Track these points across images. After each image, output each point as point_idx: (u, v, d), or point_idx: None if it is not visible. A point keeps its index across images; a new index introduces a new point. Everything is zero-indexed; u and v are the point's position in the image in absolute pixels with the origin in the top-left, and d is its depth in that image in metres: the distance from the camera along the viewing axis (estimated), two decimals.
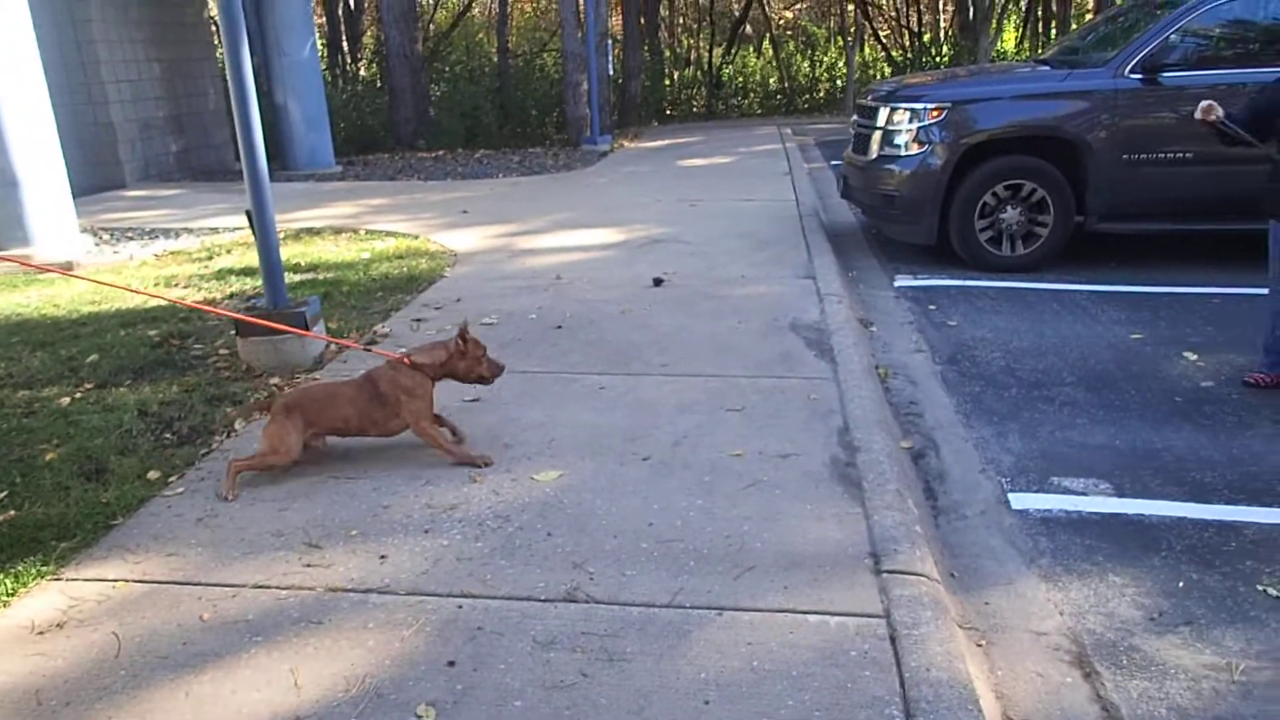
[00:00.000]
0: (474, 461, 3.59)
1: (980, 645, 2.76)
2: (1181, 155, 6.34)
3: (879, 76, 22.47)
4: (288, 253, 7.39)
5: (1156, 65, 6.28)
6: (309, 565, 2.96)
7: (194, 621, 2.69)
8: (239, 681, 2.43)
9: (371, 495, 3.41)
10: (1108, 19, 7.68)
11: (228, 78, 4.47)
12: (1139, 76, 6.31)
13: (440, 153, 14.90)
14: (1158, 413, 4.31)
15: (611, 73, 17.44)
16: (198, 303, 5.48)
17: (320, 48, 17.18)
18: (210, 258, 7.50)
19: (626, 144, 15.64)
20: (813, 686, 2.35)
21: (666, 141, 15.87)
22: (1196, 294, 6.03)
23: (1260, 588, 2.98)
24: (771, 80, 23.60)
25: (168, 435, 3.99)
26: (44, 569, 2.97)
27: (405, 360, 3.61)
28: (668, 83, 22.64)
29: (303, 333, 4.51)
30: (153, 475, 3.60)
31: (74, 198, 7.75)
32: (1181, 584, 3.02)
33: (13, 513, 3.32)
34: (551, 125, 18.23)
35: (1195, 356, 4.94)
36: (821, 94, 22.71)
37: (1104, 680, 2.60)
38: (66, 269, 7.12)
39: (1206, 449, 3.93)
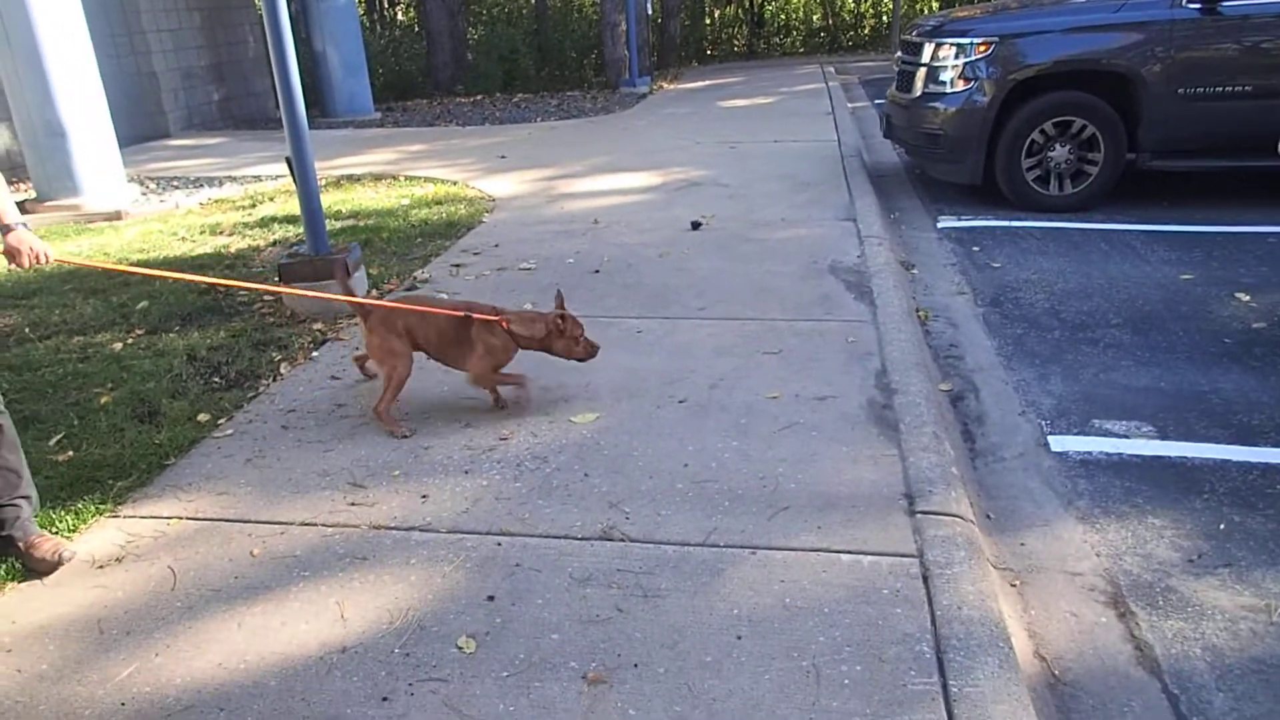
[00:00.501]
0: (522, 385, 3.68)
1: (1014, 585, 2.77)
2: (1242, 89, 6.09)
3: (926, 11, 21.79)
4: (328, 200, 7.46)
5: None
6: (353, 504, 3.05)
7: (245, 557, 2.79)
8: (288, 614, 2.53)
9: (413, 437, 3.48)
10: None
11: (265, 24, 4.48)
12: (1197, 6, 6.04)
13: (478, 97, 14.83)
14: (1205, 355, 4.22)
15: (650, 12, 17.15)
16: (231, 280, 5.55)
17: None
18: (253, 205, 7.60)
19: (666, 85, 15.43)
20: (844, 623, 2.39)
21: (706, 83, 15.62)
22: (1252, 233, 5.85)
23: None
24: (815, 17, 23.01)
25: (216, 379, 4.10)
26: (102, 507, 3.09)
27: (504, 324, 3.54)
28: (708, 22, 22.20)
29: (331, 296, 4.56)
30: (203, 418, 3.71)
31: (120, 148, 7.87)
32: (1223, 526, 2.99)
33: (71, 453, 3.45)
34: (590, 68, 18.02)
35: (1247, 297, 4.81)
36: (866, 30, 22.12)
37: (1139, 620, 2.60)
38: (114, 218, 7.27)
39: (1255, 391, 3.85)
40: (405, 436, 3.46)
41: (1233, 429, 3.57)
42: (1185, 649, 2.49)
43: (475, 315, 3.54)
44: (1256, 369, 4.05)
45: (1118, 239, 5.95)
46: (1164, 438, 3.54)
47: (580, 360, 3.68)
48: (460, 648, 2.37)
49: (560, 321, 3.56)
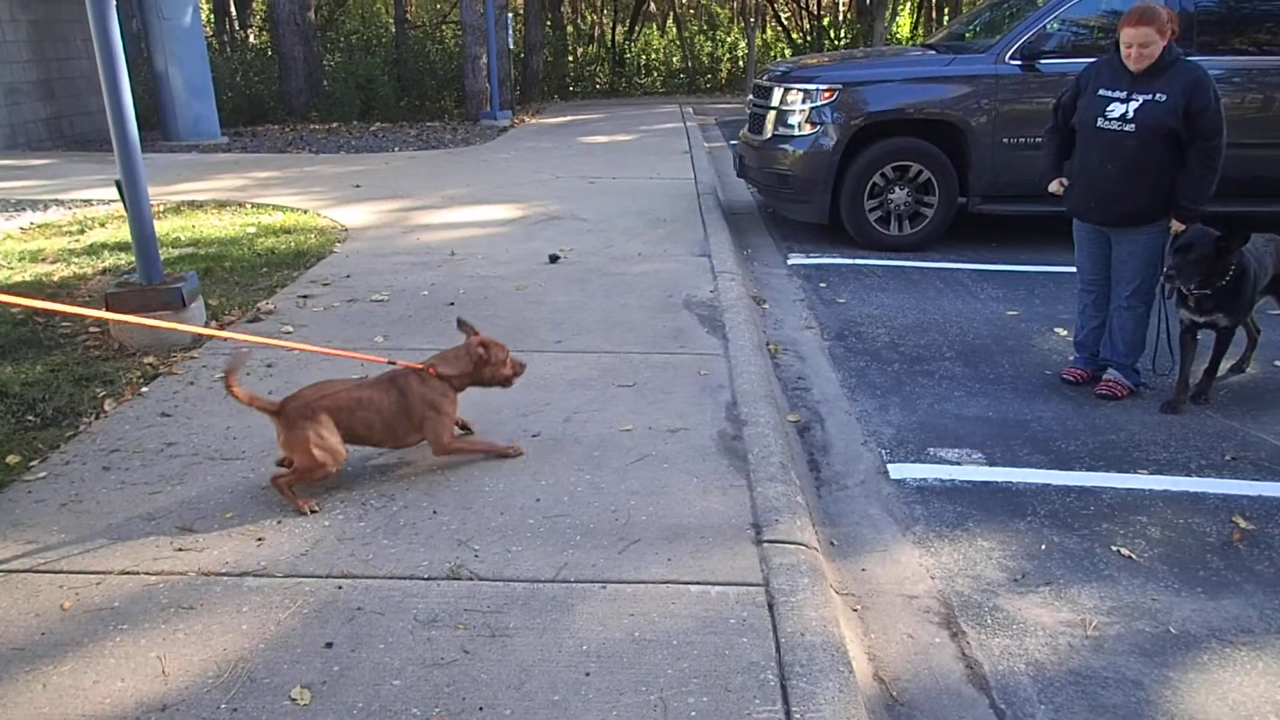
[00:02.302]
0: (506, 453, 3.43)
1: (855, 610, 2.86)
2: None
3: (779, 57, 22.76)
4: (168, 226, 7.08)
5: (1035, 52, 6.53)
6: (180, 550, 2.86)
7: (54, 610, 2.57)
8: (101, 671, 2.33)
9: (249, 477, 3.31)
10: (992, 5, 7.96)
11: (93, 37, 4.22)
12: (1018, 63, 6.55)
13: (334, 125, 14.45)
14: (1029, 385, 4.52)
15: (512, 47, 17.18)
16: (46, 301, 5.21)
17: (206, 13, 16.40)
18: (82, 231, 7.12)
19: (528, 120, 15.46)
20: (692, 655, 2.40)
21: (568, 118, 15.76)
22: (1071, 273, 6.27)
23: (1114, 548, 3.16)
24: (674, 59, 23.64)
25: (30, 417, 3.78)
26: None
27: (431, 371, 3.29)
28: (570, 59, 22.45)
29: (168, 324, 4.32)
30: (12, 459, 3.41)
31: None
32: (1044, 546, 3.18)
33: None
34: (451, 99, 17.87)
35: (1065, 332, 5.19)
36: (723, 74, 22.88)
37: (969, 639, 2.73)
38: None
39: (1071, 419, 4.15)
40: (313, 512, 3.06)
41: (1052, 454, 3.83)
42: (1010, 665, 2.63)
43: (399, 376, 3.25)
44: (1073, 399, 4.36)
45: (951, 277, 6.32)
46: (992, 464, 3.75)
47: (507, 384, 3.50)
48: (294, 699, 2.24)
49: (483, 350, 3.36)
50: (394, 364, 3.31)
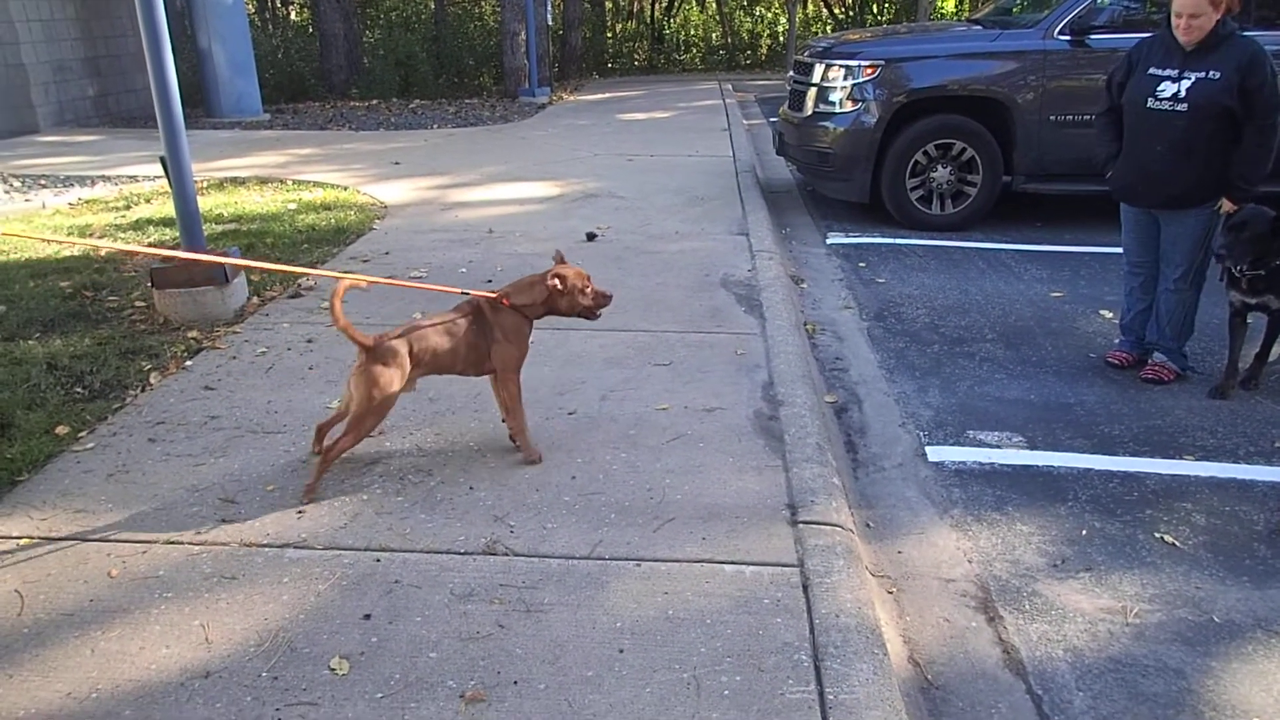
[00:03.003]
0: (530, 455, 3.28)
1: (891, 592, 2.84)
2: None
3: (820, 33, 22.44)
4: (210, 203, 7.17)
5: (1085, 27, 6.36)
6: (224, 521, 2.91)
7: (101, 578, 2.63)
8: (147, 638, 2.39)
9: (290, 451, 3.36)
10: None
11: (138, 15, 4.27)
12: (1067, 38, 6.39)
13: (373, 102, 14.52)
14: (1073, 368, 4.44)
15: (551, 23, 17.12)
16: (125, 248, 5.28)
17: None
18: (128, 207, 7.23)
19: (565, 97, 15.42)
20: (725, 634, 2.40)
21: (606, 95, 15.68)
22: (1117, 254, 6.15)
23: (1157, 535, 3.11)
24: (714, 35, 23.41)
25: (78, 389, 3.86)
26: None
27: (504, 301, 3.22)
28: (609, 35, 22.32)
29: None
30: (61, 430, 3.49)
31: None
32: (1084, 532, 3.14)
33: None
34: (489, 76, 17.85)
35: (1111, 314, 5.08)
36: (763, 50, 22.60)
37: (1006, 624, 2.70)
38: None
39: (1116, 403, 4.07)
40: (311, 502, 3.01)
41: (1095, 439, 3.76)
42: (1048, 651, 2.59)
43: (478, 301, 3.23)
44: (1117, 382, 4.28)
45: (994, 257, 6.21)
46: (1033, 448, 3.70)
47: (590, 315, 3.32)
48: (333, 669, 2.28)
49: (558, 281, 3.21)
50: (467, 294, 3.29)
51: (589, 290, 3.29)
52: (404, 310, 4.80)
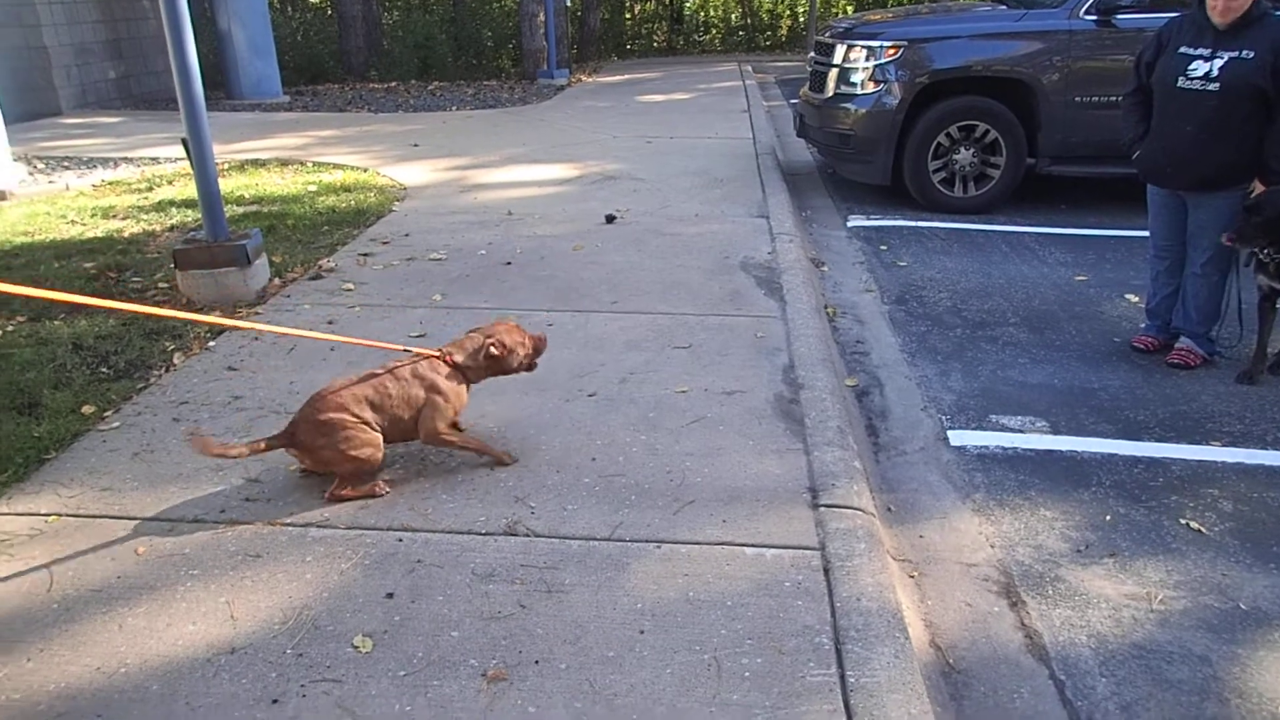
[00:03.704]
0: (501, 458, 3.14)
1: (912, 576, 2.83)
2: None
3: (842, 14, 22.21)
4: (232, 184, 7.20)
5: (1111, 6, 6.26)
6: (248, 500, 2.94)
7: (129, 555, 2.66)
8: (174, 614, 2.41)
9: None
10: None
11: None
12: (1094, 18, 6.30)
13: (392, 84, 14.51)
14: (1097, 353, 4.39)
15: (569, 4, 17.03)
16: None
17: None
18: (150, 188, 7.27)
19: (584, 79, 15.35)
20: (746, 616, 2.40)
21: (625, 77, 15.61)
22: (1142, 237, 6.06)
23: (1183, 521, 3.08)
24: (734, 16, 23.22)
25: (104, 369, 3.90)
26: None
27: (448, 360, 3.08)
28: (628, 17, 22.19)
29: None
30: (87, 410, 3.52)
31: (6, 125, 7.43)
32: (1108, 518, 3.11)
33: None
34: (507, 58, 17.81)
35: (1136, 298, 5.02)
36: (784, 31, 22.41)
37: (1029, 609, 2.69)
38: None
39: (1141, 388, 4.03)
40: (389, 490, 2.96)
41: (1120, 424, 3.72)
42: (1072, 636, 2.58)
43: (415, 365, 3.03)
44: (1143, 367, 4.23)
45: (1017, 241, 6.15)
46: (1056, 432, 3.67)
47: (531, 368, 3.25)
48: (356, 647, 2.30)
49: (495, 348, 3.10)
50: (409, 351, 3.10)
51: (525, 345, 3.19)
52: (424, 293, 4.82)
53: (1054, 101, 6.41)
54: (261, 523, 2.81)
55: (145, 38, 13.34)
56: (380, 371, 3.02)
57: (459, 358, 3.10)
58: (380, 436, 2.93)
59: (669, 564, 2.62)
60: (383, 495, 2.95)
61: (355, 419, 2.88)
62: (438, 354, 3.10)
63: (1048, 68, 6.37)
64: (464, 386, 3.12)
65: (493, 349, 3.11)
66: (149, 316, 4.26)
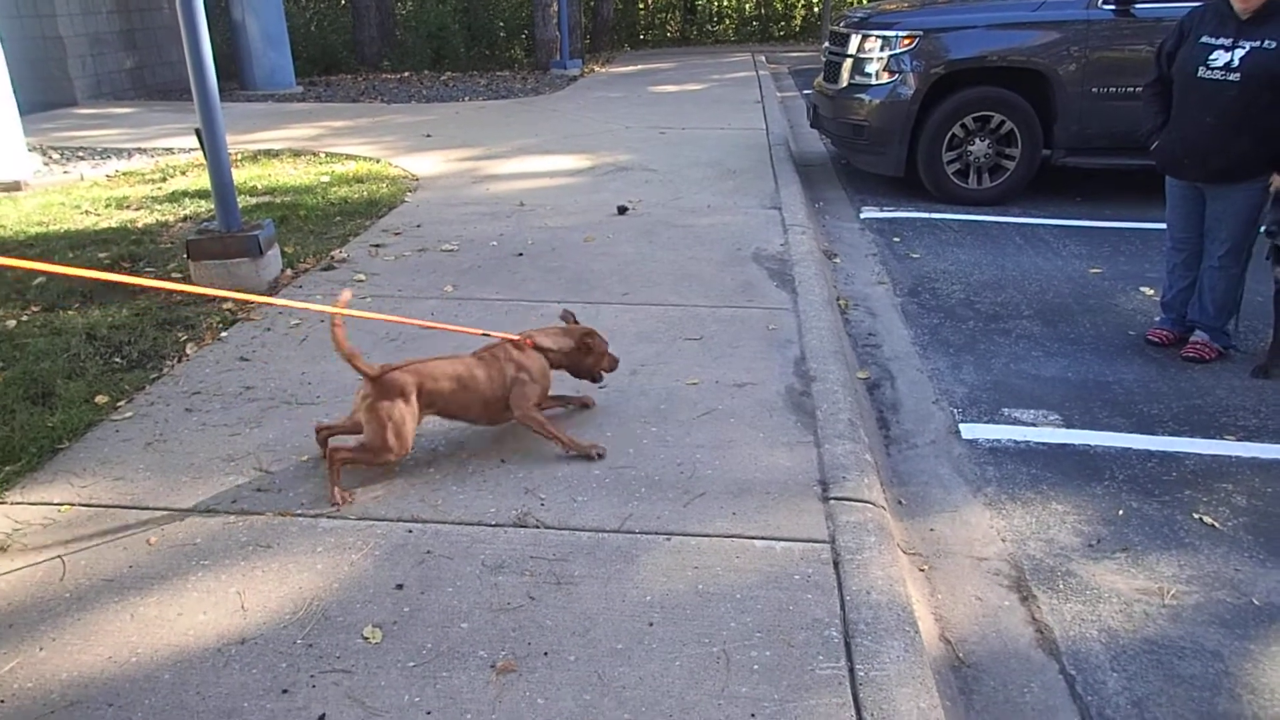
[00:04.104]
0: (587, 453, 3.12)
1: (923, 570, 2.82)
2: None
3: (857, 3, 22.06)
4: (245, 175, 7.22)
5: None
6: (259, 490, 2.95)
7: (140, 545, 2.68)
8: (185, 604, 2.43)
9: (323, 421, 3.38)
10: None
11: None
12: (1112, 7, 6.23)
13: (405, 74, 14.52)
14: (1111, 346, 4.36)
15: None
16: None
17: None
18: (164, 179, 7.31)
19: (597, 69, 15.32)
20: (755, 609, 2.40)
21: (638, 67, 15.56)
22: (1158, 230, 5.99)
23: (1196, 516, 3.05)
24: (748, 6, 23.11)
25: (117, 359, 3.92)
26: None
27: (528, 342, 3.21)
28: (641, 7, 22.12)
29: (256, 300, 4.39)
30: (100, 399, 3.54)
31: (20, 115, 7.47)
32: (1121, 512, 3.09)
33: None
34: (520, 48, 17.80)
35: (1152, 291, 4.98)
36: (798, 21, 22.31)
37: (1040, 604, 2.67)
38: (13, 188, 6.92)
39: (1155, 382, 4.00)
40: (347, 504, 2.87)
41: (1134, 418, 3.70)
42: (1083, 631, 2.56)
43: (496, 349, 3.16)
44: (1157, 360, 4.20)
45: (1031, 233, 6.11)
46: (1069, 426, 3.64)
47: (598, 379, 3.43)
48: (366, 638, 2.31)
49: (589, 339, 3.32)
50: (489, 335, 3.22)
51: (605, 355, 3.40)
52: (436, 283, 4.82)
53: (1071, 92, 6.35)
54: (273, 513, 2.82)
55: (159, 28, 13.37)
56: (466, 359, 3.13)
57: (544, 341, 3.25)
58: (409, 441, 2.95)
59: (679, 556, 2.61)
60: (337, 504, 2.85)
61: (412, 410, 2.94)
62: (518, 338, 3.22)
63: (1065, 58, 6.31)
64: (548, 368, 3.26)
65: (589, 338, 3.30)
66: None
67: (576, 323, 3.43)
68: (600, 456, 3.13)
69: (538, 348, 3.24)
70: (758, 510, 2.82)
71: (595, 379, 3.45)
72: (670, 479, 3.00)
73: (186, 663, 2.23)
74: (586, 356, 3.35)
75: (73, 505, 2.87)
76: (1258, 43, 3.74)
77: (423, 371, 3.01)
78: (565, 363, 3.34)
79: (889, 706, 2.09)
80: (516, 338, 3.23)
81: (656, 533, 2.72)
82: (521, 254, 5.31)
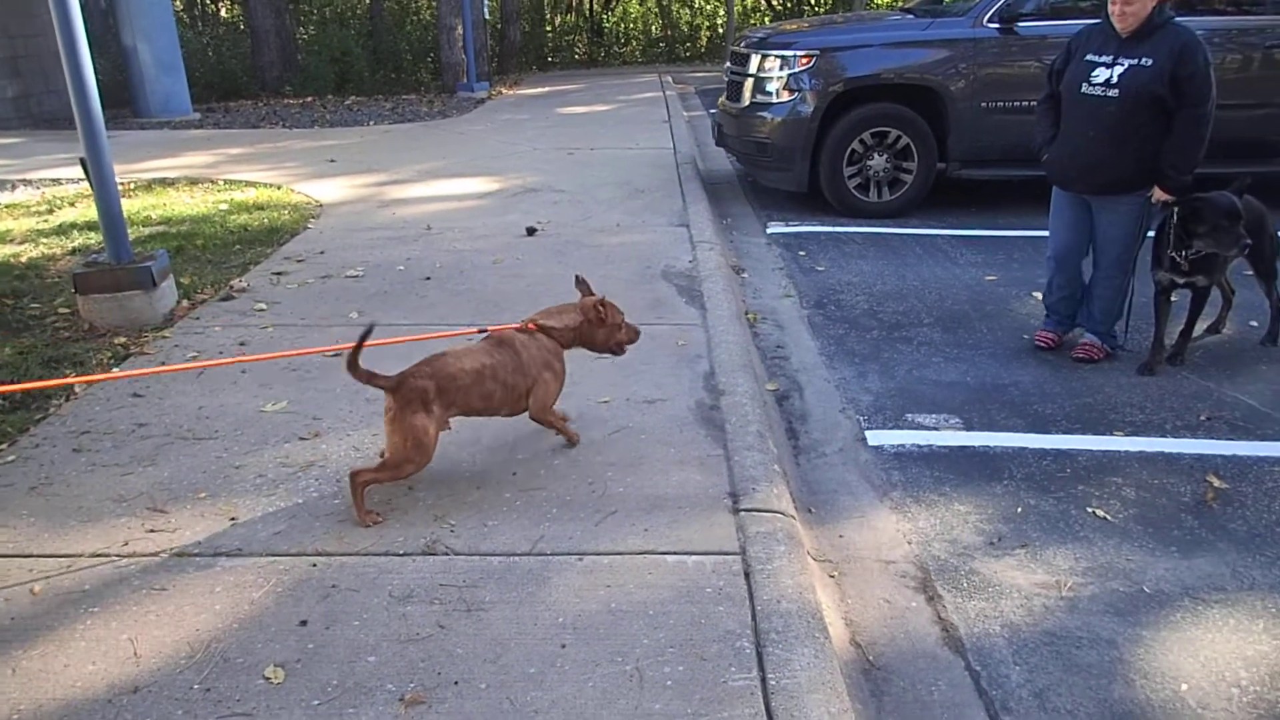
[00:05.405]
0: (573, 439, 3.25)
1: (832, 576, 2.86)
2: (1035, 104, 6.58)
3: (758, 24, 22.53)
4: (138, 205, 6.97)
5: (1013, 15, 6.47)
6: (152, 531, 2.83)
7: (23, 596, 2.54)
8: (72, 654, 2.31)
9: (222, 456, 3.28)
10: None
11: (52, 11, 4.12)
12: (996, 25, 6.50)
13: (308, 99, 14.24)
14: (1007, 350, 4.52)
15: (488, 17, 16.95)
16: None
17: None
18: (50, 211, 7.00)
19: (505, 91, 15.29)
20: (668, 624, 2.40)
21: (546, 89, 15.58)
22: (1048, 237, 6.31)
23: (1090, 509, 3.18)
24: (654, 28, 23.40)
25: None
26: None
27: (531, 327, 3.11)
28: (548, 29, 22.19)
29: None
30: None
31: None
32: (1020, 509, 3.20)
33: None
34: (427, 71, 17.63)
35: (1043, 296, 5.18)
36: (703, 42, 22.66)
37: (945, 603, 2.74)
38: None
39: (1048, 383, 4.16)
40: (376, 524, 2.84)
41: (1029, 418, 3.84)
42: (986, 627, 2.64)
43: (509, 335, 3.08)
44: (1050, 362, 4.37)
45: (930, 243, 6.31)
46: (969, 428, 3.76)
47: (619, 350, 3.32)
48: (268, 678, 2.23)
49: (599, 308, 3.18)
50: (484, 331, 3.13)
51: (623, 325, 3.31)
52: (340, 310, 4.72)
53: (961, 107, 6.60)
54: (167, 553, 2.71)
55: (45, 54, 12.81)
56: (479, 350, 3.04)
57: (546, 322, 3.16)
58: (432, 449, 2.89)
59: (591, 576, 2.60)
60: (368, 525, 2.83)
61: (437, 415, 2.87)
62: (520, 326, 3.15)
63: (955, 75, 6.56)
64: (562, 353, 3.19)
65: (599, 308, 3.18)
66: (54, 340, 4.11)
67: (592, 293, 3.29)
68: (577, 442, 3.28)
69: (542, 329, 3.14)
70: (669, 525, 2.83)
71: (616, 352, 3.33)
72: (582, 499, 2.98)
73: (74, 716, 2.11)
74: (599, 329, 3.22)
75: None
76: (1135, 60, 3.93)
77: (440, 372, 2.89)
78: (577, 339, 3.23)
79: (800, 714, 2.11)
80: (519, 326, 3.15)
81: (569, 553, 2.70)
82: (429, 277, 5.24)
